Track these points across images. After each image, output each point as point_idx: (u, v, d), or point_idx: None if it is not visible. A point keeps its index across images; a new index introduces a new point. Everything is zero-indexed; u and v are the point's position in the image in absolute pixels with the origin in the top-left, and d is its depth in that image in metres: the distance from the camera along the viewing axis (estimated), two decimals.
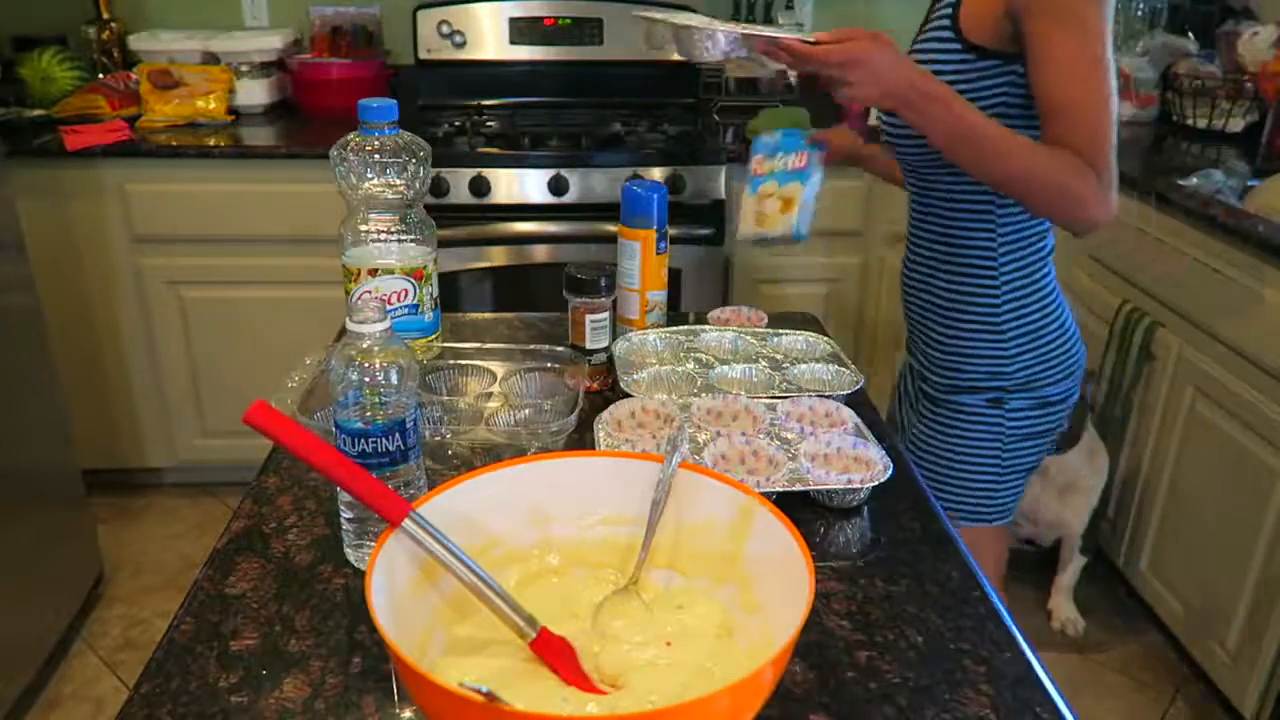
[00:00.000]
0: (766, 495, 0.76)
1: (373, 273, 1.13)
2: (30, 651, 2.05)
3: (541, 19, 2.77)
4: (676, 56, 1.36)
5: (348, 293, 1.15)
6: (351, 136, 1.11)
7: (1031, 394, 1.37)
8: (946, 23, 1.24)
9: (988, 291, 1.34)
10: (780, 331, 1.31)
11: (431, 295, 1.18)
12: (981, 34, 1.21)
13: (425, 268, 1.16)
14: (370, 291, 1.13)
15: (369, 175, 1.10)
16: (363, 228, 1.13)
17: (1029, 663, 0.78)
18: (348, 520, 0.87)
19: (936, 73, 1.19)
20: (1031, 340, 1.35)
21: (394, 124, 1.11)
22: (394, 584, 0.68)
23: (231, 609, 0.82)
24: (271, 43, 2.70)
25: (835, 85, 1.15)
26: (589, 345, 1.21)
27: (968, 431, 1.40)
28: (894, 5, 2.83)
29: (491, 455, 1.04)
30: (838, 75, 1.13)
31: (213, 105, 2.57)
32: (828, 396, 1.11)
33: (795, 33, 1.19)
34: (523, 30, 2.78)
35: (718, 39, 1.20)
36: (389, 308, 1.12)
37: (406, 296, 1.15)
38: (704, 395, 1.11)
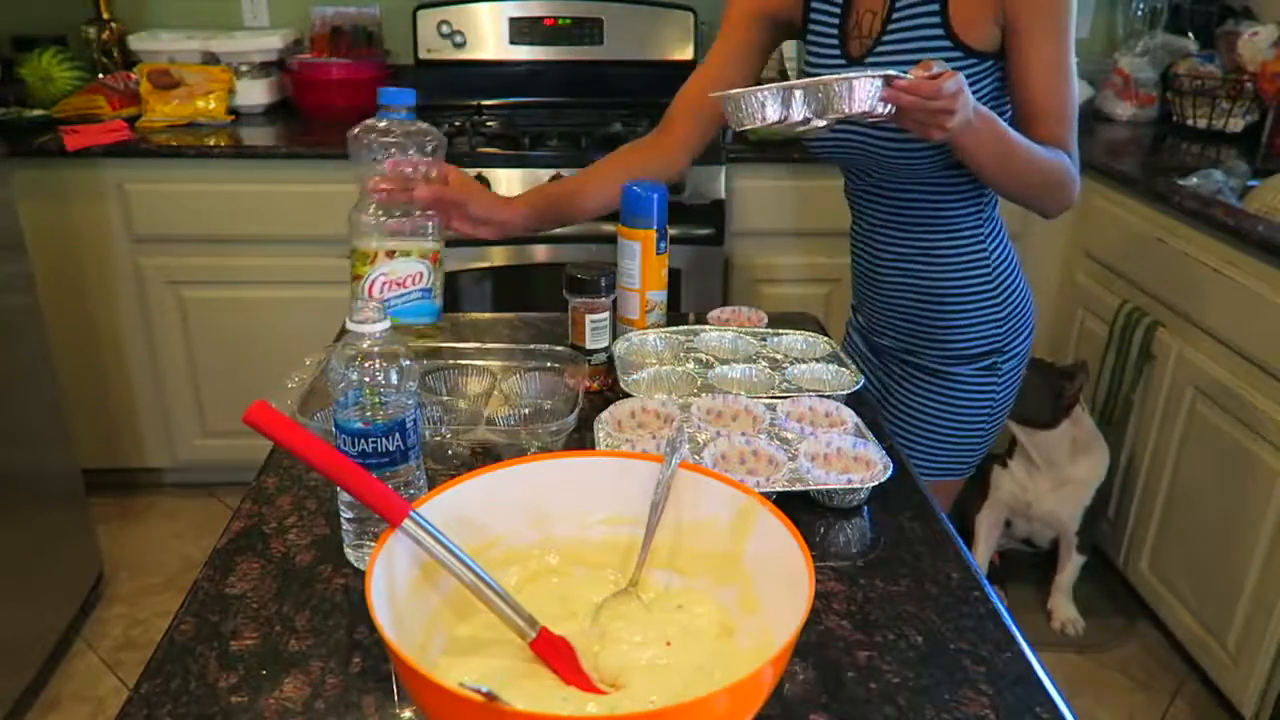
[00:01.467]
0: (766, 495, 0.76)
1: (390, 255, 1.13)
2: (30, 651, 2.05)
3: (541, 19, 2.77)
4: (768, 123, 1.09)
5: (359, 278, 1.14)
6: (370, 120, 1.12)
7: (1014, 352, 1.49)
8: (936, 20, 1.27)
9: (982, 273, 1.43)
10: (780, 331, 1.31)
11: (441, 281, 1.19)
12: (973, 37, 1.26)
13: (439, 251, 1.16)
14: (385, 275, 1.13)
15: (391, 153, 1.11)
16: (380, 212, 1.13)
17: (1029, 663, 0.78)
18: (348, 520, 0.87)
19: None
20: (1019, 305, 1.47)
21: (411, 109, 1.12)
22: (394, 584, 0.68)
23: (231, 609, 0.82)
24: (271, 43, 2.69)
25: (939, 117, 1.07)
26: (589, 345, 1.21)
27: (964, 397, 1.50)
28: None
29: (491, 455, 1.04)
30: (949, 107, 1.06)
31: (213, 105, 2.57)
32: (827, 396, 1.11)
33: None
34: (523, 30, 2.77)
35: (860, 89, 1.02)
36: (403, 291, 1.12)
37: (421, 280, 1.15)
38: (704, 395, 1.11)
